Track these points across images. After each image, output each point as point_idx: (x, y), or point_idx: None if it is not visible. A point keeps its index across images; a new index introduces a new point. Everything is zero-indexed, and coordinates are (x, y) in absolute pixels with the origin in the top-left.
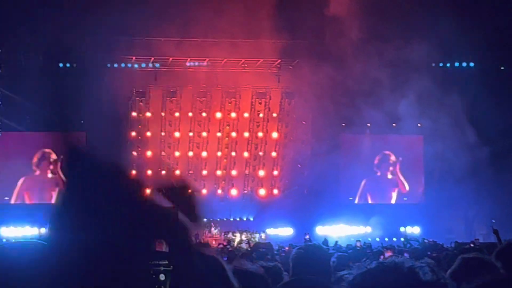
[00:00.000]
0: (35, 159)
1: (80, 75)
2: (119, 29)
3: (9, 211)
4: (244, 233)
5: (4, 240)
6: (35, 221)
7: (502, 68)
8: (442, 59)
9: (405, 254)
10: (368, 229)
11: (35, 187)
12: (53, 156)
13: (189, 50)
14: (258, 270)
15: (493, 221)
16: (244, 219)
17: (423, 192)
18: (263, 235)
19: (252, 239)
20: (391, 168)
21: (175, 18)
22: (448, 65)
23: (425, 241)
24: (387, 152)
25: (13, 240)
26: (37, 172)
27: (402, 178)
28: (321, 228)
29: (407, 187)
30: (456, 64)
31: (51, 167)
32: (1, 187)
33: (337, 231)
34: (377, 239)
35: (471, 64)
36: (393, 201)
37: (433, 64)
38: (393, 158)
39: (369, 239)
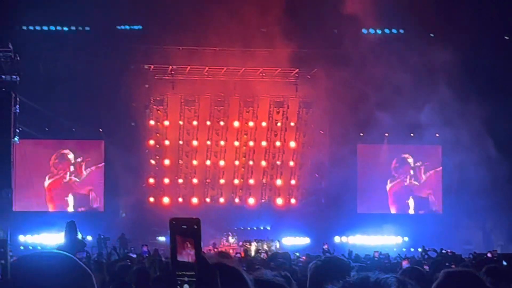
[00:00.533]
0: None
1: (98, 83)
2: (137, 37)
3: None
4: (261, 242)
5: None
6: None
7: None
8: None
9: (425, 267)
10: (385, 240)
11: (56, 192)
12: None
13: (207, 59)
14: (279, 281)
15: None
16: (261, 228)
17: (442, 202)
18: (277, 244)
19: (269, 248)
20: (411, 173)
21: (193, 27)
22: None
23: (443, 251)
24: (405, 155)
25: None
26: (57, 176)
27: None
28: (338, 238)
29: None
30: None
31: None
32: (22, 193)
33: (355, 241)
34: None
35: None
36: (411, 211)
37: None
38: (412, 162)
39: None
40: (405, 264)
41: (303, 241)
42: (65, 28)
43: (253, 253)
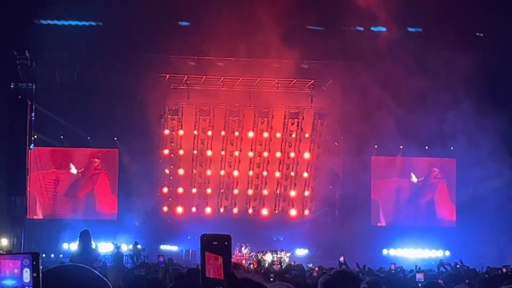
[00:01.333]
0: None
1: (113, 91)
2: (154, 47)
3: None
4: (275, 253)
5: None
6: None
7: None
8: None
9: (439, 281)
10: (398, 252)
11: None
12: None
13: (223, 69)
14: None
15: None
16: (274, 239)
17: (456, 215)
18: (288, 255)
19: (282, 259)
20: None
21: (210, 36)
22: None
23: (458, 265)
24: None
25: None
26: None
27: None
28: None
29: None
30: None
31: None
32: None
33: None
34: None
35: None
36: (424, 223)
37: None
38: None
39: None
40: (419, 277)
41: (316, 252)
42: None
43: (267, 264)
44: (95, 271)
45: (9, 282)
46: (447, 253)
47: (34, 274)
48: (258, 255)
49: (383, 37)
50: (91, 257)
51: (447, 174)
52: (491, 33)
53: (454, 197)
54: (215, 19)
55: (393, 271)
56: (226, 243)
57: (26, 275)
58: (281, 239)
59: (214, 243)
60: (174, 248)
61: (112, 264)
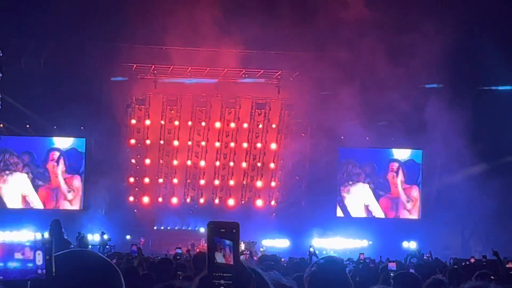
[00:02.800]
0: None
1: (80, 81)
2: (121, 36)
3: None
4: (243, 243)
5: None
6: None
7: None
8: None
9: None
10: (364, 243)
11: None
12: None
13: (190, 59)
14: (291, 284)
15: (489, 238)
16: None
17: (420, 207)
18: (262, 248)
19: (249, 249)
20: (390, 177)
21: (177, 26)
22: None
23: (425, 257)
24: (384, 159)
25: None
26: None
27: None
28: (317, 240)
29: (404, 199)
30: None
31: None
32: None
33: (333, 244)
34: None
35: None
36: (390, 215)
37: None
38: (391, 166)
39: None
40: (391, 265)
41: (283, 243)
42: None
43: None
44: (102, 256)
45: (22, 264)
46: (365, 242)
47: (47, 257)
48: None
49: (351, 28)
50: (63, 247)
51: (412, 165)
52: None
53: (419, 188)
54: (183, 9)
55: (361, 261)
56: (234, 230)
57: (39, 258)
58: (247, 230)
59: (222, 230)
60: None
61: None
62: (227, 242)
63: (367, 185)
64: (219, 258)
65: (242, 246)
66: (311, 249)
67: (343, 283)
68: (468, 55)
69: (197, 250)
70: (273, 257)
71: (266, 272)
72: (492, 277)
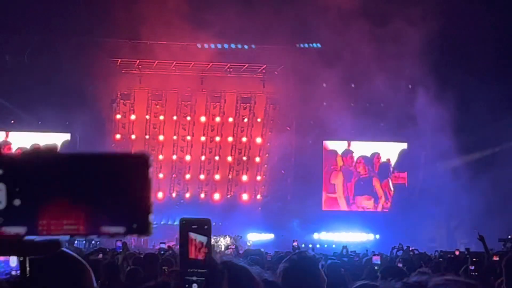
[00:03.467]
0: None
1: (65, 76)
2: (105, 31)
3: None
4: (228, 237)
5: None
6: None
7: None
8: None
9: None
10: (350, 236)
11: None
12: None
13: (175, 54)
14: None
15: (475, 229)
16: (227, 223)
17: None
18: (249, 243)
19: (235, 243)
20: (375, 170)
21: (162, 21)
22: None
23: (410, 249)
24: (370, 153)
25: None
26: None
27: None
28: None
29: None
30: None
31: None
32: None
33: (320, 238)
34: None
35: None
36: (374, 208)
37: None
38: (377, 160)
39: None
40: (375, 259)
41: (269, 237)
42: None
43: (222, 248)
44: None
45: None
46: (377, 236)
47: (21, 258)
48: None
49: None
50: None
51: (396, 158)
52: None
53: (405, 181)
54: (167, 2)
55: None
56: (206, 226)
57: (13, 259)
58: (233, 224)
59: (194, 226)
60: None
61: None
62: (199, 238)
63: (353, 179)
64: (192, 254)
65: (228, 240)
66: (295, 244)
67: (315, 278)
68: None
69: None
70: (257, 251)
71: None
72: (473, 273)
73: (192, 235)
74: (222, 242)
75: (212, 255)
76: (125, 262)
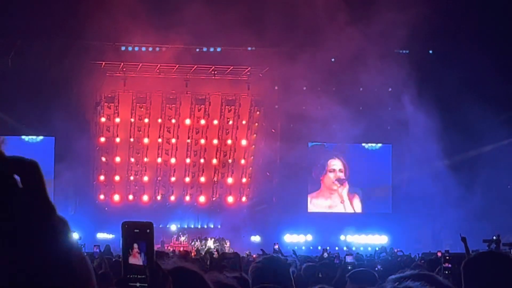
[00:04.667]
0: None
1: (49, 80)
2: (89, 34)
3: None
4: (212, 240)
5: None
6: None
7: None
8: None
9: (378, 266)
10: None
11: None
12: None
13: (159, 56)
14: (232, 282)
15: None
16: (212, 226)
17: (391, 201)
18: (227, 243)
19: (220, 247)
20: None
21: (147, 23)
22: None
23: (394, 250)
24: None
25: None
26: None
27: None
28: (289, 236)
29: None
30: None
31: None
32: None
33: (305, 240)
34: (345, 248)
35: None
36: (359, 209)
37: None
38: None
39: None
40: (349, 258)
41: (254, 239)
42: None
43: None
44: None
45: None
46: (384, 239)
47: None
48: (196, 242)
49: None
50: None
51: (382, 161)
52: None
53: (390, 183)
54: (150, 5)
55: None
56: (148, 230)
57: None
58: (219, 226)
59: (136, 230)
60: (110, 236)
61: None
62: (141, 243)
63: (337, 181)
64: (134, 260)
65: (211, 244)
66: (276, 246)
67: (283, 278)
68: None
69: (166, 247)
70: (233, 254)
71: (211, 274)
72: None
73: (134, 239)
74: (210, 245)
75: (156, 260)
76: (100, 265)
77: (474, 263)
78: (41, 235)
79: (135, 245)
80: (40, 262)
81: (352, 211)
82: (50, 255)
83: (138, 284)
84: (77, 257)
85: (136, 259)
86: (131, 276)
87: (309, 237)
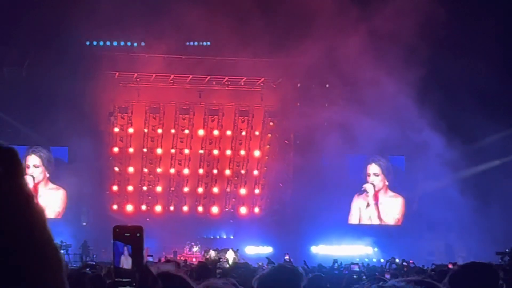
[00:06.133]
0: None
1: (63, 89)
2: (103, 44)
3: None
4: (224, 251)
5: None
6: None
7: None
8: None
9: (386, 275)
10: (345, 250)
11: None
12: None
13: (173, 67)
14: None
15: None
16: (224, 237)
17: (404, 213)
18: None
19: (232, 257)
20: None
21: (160, 34)
22: None
23: (404, 263)
24: (369, 167)
25: None
26: None
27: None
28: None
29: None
30: None
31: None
32: None
33: (318, 251)
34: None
35: None
36: (375, 221)
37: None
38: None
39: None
40: (354, 267)
41: (267, 250)
42: None
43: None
44: None
45: None
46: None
47: None
48: (208, 253)
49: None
50: None
51: (396, 173)
52: None
53: (404, 195)
54: (165, 16)
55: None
56: (138, 234)
57: None
58: (231, 237)
59: (126, 234)
60: None
61: None
62: (131, 246)
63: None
64: (125, 263)
65: (225, 254)
66: (286, 257)
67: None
68: None
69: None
70: (244, 264)
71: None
72: None
73: (124, 243)
74: (230, 256)
75: (145, 264)
76: (109, 274)
77: (458, 275)
78: (17, 222)
79: (125, 249)
80: (13, 247)
81: (371, 223)
82: (24, 240)
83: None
84: (50, 245)
85: (126, 263)
86: (121, 280)
87: (321, 249)
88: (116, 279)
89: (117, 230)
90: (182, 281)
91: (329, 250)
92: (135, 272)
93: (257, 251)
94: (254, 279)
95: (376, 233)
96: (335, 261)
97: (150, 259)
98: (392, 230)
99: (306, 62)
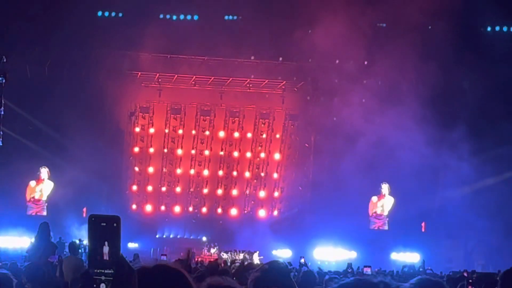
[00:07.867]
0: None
1: (85, 89)
2: (126, 44)
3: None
4: (242, 253)
5: None
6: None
7: None
8: None
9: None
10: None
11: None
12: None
13: (195, 68)
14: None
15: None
16: (242, 239)
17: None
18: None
19: (249, 259)
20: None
21: (183, 35)
22: None
23: (421, 269)
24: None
25: None
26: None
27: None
28: (319, 251)
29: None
30: None
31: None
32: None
33: (335, 255)
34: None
35: None
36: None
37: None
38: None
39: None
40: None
41: (285, 253)
42: None
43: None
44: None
45: None
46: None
47: None
48: (225, 254)
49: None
50: (48, 250)
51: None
52: None
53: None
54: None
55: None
56: (115, 224)
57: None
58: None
59: (102, 224)
60: (135, 245)
61: (68, 255)
62: (108, 236)
63: (375, 197)
64: (101, 253)
65: (241, 256)
66: (302, 260)
67: (284, 280)
68: None
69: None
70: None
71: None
72: None
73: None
74: (256, 258)
75: (121, 255)
76: None
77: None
78: None
79: (103, 239)
80: None
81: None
82: None
83: (103, 277)
84: None
85: (104, 254)
86: (97, 270)
87: (340, 253)
88: (92, 269)
89: (93, 219)
90: (179, 274)
91: (347, 255)
92: (112, 262)
93: (276, 253)
94: (249, 281)
95: (391, 238)
96: (349, 264)
97: (163, 258)
98: (411, 236)
99: (328, 66)
